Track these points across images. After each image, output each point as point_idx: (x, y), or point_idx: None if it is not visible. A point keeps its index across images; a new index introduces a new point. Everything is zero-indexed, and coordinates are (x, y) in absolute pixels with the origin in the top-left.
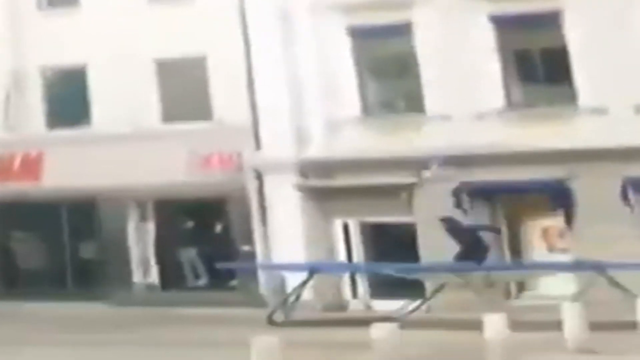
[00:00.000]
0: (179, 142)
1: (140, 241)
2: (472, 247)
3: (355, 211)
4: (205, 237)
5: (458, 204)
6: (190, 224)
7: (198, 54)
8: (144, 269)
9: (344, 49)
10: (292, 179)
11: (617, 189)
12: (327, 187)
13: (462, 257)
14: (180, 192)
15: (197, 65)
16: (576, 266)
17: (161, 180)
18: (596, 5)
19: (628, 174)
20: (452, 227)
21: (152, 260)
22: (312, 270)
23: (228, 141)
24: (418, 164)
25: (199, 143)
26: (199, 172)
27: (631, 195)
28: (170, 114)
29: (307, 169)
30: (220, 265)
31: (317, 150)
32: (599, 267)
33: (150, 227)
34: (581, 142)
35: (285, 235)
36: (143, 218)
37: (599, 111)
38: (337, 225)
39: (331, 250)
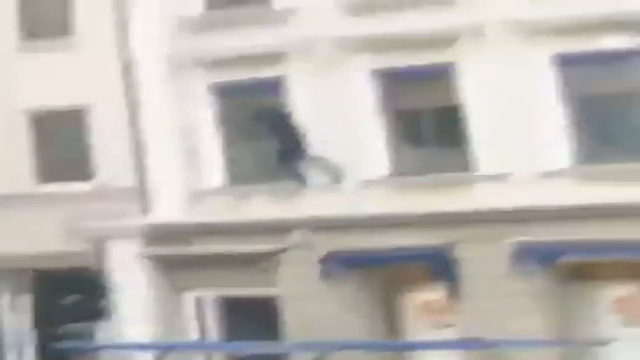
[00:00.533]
0: (55, 205)
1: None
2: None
3: (210, 283)
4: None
5: (327, 274)
6: (73, 297)
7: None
8: (19, 352)
9: (206, 108)
10: (139, 246)
11: (508, 256)
12: (178, 255)
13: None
14: (56, 262)
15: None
16: (462, 344)
17: (36, 249)
18: (492, 58)
19: (520, 239)
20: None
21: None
22: (162, 350)
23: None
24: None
25: (75, 207)
26: (74, 239)
27: (524, 262)
28: (46, 175)
29: (155, 235)
30: (55, 346)
31: (167, 214)
32: (487, 345)
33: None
34: (467, 205)
35: (132, 310)
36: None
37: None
38: (191, 299)
39: (183, 327)
